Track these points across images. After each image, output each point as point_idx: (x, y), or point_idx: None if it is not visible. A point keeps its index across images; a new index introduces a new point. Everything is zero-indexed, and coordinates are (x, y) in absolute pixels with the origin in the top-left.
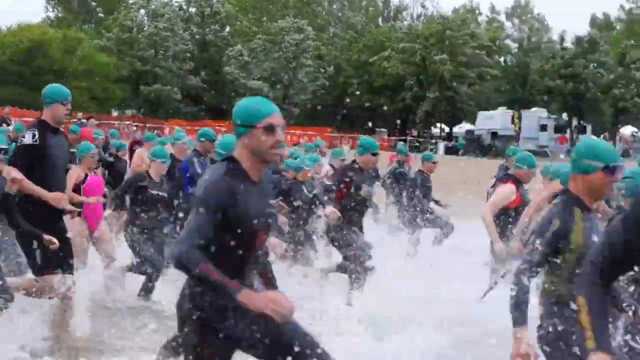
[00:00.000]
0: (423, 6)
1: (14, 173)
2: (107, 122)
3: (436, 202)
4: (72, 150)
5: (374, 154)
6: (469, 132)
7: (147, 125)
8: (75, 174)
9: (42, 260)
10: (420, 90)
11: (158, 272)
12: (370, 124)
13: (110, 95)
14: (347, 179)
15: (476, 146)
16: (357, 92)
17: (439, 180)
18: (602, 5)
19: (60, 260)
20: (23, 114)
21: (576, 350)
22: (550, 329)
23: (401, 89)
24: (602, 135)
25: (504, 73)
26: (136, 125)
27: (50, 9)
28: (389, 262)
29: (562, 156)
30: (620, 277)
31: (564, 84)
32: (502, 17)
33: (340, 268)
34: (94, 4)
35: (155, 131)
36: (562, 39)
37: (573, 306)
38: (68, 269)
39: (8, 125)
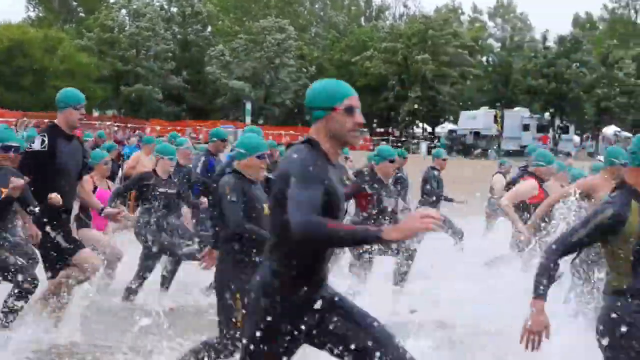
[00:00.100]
0: (405, 6)
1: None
2: (88, 122)
3: (450, 200)
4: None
5: (392, 161)
6: (451, 132)
7: (129, 125)
8: (88, 182)
9: (69, 243)
10: (403, 90)
11: (176, 267)
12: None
13: (91, 95)
14: (366, 192)
15: (458, 146)
16: None
17: None
18: (585, 5)
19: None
20: (2, 114)
21: (635, 343)
22: (609, 321)
23: (383, 89)
24: (584, 135)
25: (486, 73)
26: (117, 126)
27: (31, 9)
28: (389, 263)
29: None
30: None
31: (547, 84)
32: (485, 17)
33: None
34: (74, 3)
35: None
36: (544, 39)
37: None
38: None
39: None
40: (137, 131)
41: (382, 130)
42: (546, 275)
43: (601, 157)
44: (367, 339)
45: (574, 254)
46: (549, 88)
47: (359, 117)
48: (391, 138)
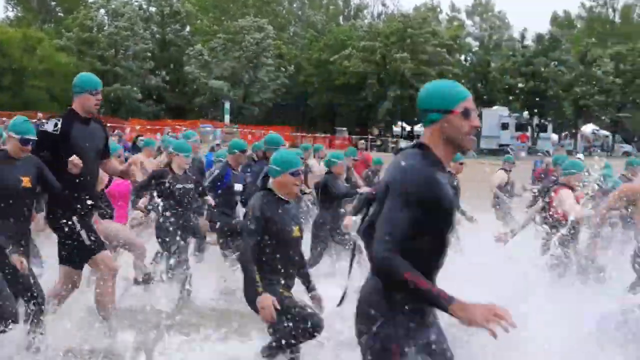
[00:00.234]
0: (384, 4)
1: None
2: None
3: (462, 212)
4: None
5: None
6: None
7: (108, 124)
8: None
9: (91, 241)
10: (381, 88)
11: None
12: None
13: (70, 95)
14: None
15: None
16: (317, 90)
17: None
18: (563, 3)
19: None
20: None
21: None
22: None
23: (362, 88)
24: (563, 134)
25: (464, 71)
26: None
27: (10, 9)
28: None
29: (523, 154)
30: None
31: (525, 82)
32: (463, 15)
33: None
34: (53, 3)
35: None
36: (523, 37)
37: None
38: (104, 248)
39: None
40: (116, 130)
41: (357, 129)
42: None
43: (580, 155)
44: None
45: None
46: (527, 87)
47: (476, 120)
48: (370, 137)
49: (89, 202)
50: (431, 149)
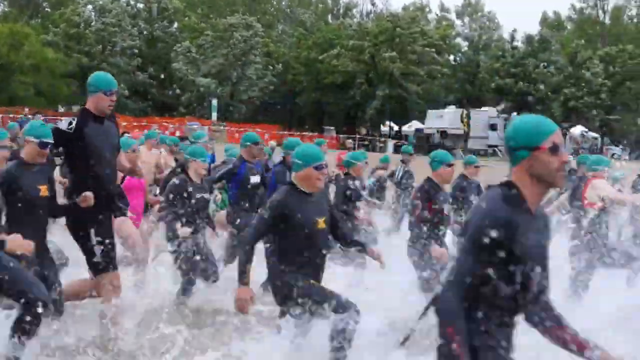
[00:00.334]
0: (373, 4)
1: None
2: (54, 117)
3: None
4: None
5: (449, 165)
6: (418, 130)
7: None
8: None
9: (103, 259)
10: (370, 88)
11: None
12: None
13: (57, 91)
14: (431, 201)
15: (425, 145)
16: (306, 89)
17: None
18: (553, 4)
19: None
20: None
21: None
22: None
23: (350, 87)
24: None
25: (453, 71)
26: None
27: None
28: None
29: None
30: None
31: (514, 83)
32: (452, 15)
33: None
34: None
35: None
36: (512, 38)
37: None
38: (114, 268)
39: None
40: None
41: (345, 128)
42: None
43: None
44: None
45: None
46: (516, 87)
47: (565, 156)
48: (358, 136)
49: (107, 201)
50: (519, 188)
